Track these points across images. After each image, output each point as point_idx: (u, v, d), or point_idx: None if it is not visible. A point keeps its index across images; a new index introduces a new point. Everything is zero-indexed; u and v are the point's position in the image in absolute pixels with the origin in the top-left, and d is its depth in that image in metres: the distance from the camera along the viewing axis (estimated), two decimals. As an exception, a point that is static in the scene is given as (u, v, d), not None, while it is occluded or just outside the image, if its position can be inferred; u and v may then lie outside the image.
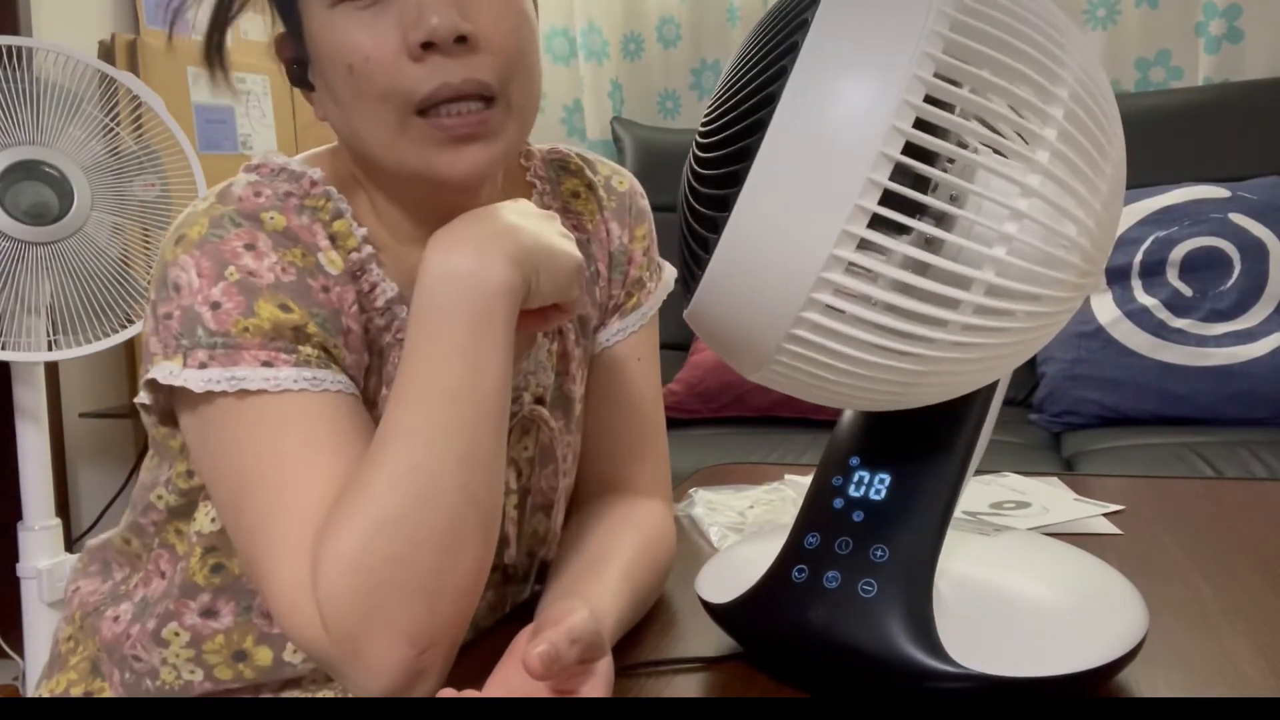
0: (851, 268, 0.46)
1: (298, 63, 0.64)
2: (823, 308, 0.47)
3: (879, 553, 0.55)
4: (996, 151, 0.49)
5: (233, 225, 0.59)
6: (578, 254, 0.61)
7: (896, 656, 0.53)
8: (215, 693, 0.69)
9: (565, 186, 0.77)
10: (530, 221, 0.60)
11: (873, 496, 0.57)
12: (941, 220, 0.48)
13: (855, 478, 0.58)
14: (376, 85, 0.59)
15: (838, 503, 0.58)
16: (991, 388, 0.57)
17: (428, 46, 0.58)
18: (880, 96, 0.44)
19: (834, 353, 0.48)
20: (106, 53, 2.05)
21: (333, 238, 0.63)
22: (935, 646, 0.52)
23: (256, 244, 0.59)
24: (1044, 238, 0.47)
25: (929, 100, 0.44)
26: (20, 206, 1.53)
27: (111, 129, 1.62)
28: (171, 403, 0.62)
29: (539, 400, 0.71)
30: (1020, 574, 0.59)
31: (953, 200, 0.49)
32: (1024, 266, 0.47)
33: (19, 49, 1.53)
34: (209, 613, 0.68)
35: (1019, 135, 0.48)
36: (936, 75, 0.44)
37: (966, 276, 0.47)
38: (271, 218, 0.61)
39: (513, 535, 0.70)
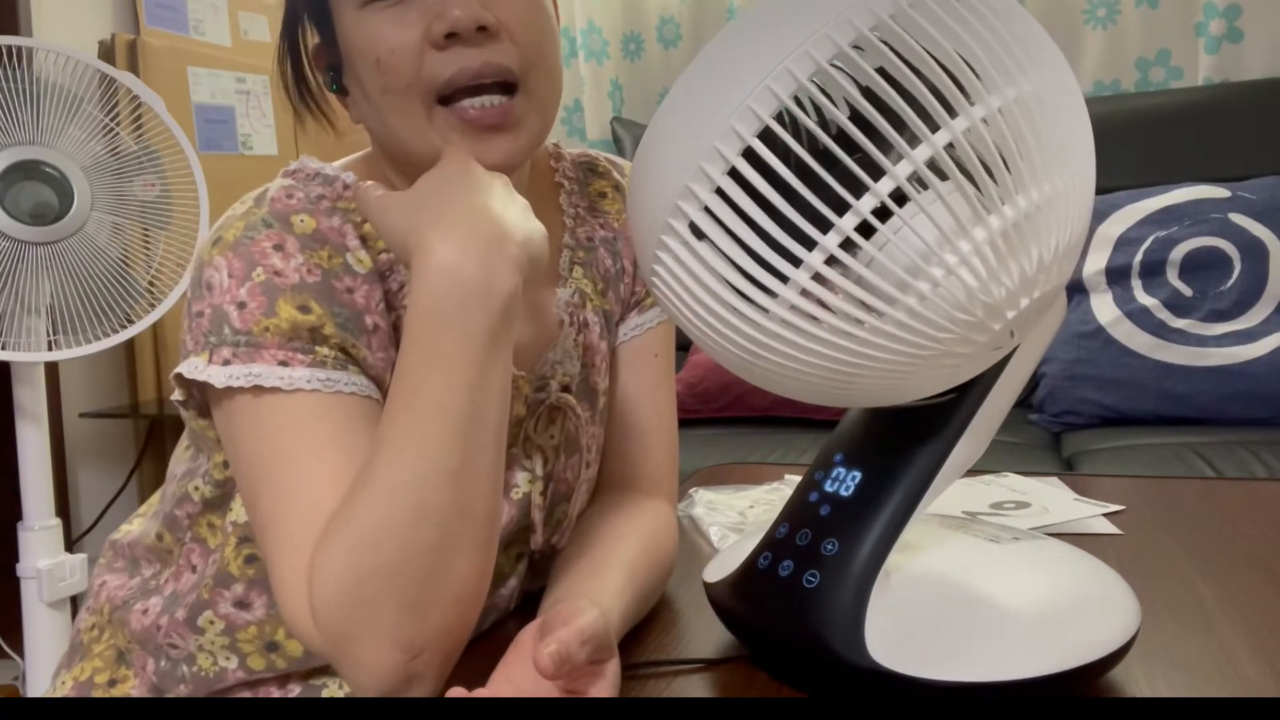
0: (721, 195, 0.48)
1: (334, 69, 0.67)
2: (687, 224, 0.48)
3: (829, 546, 0.56)
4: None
5: (264, 227, 0.61)
6: (543, 228, 0.60)
7: (820, 648, 0.54)
8: (247, 681, 0.71)
9: (593, 187, 0.80)
10: (510, 209, 0.59)
11: (842, 493, 0.58)
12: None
13: (834, 474, 0.59)
14: (402, 76, 0.62)
15: (813, 496, 0.59)
16: (974, 402, 0.57)
17: (450, 37, 0.61)
18: (770, 54, 0.46)
19: (694, 276, 0.50)
20: (106, 53, 2.05)
21: (363, 238, 0.65)
22: (858, 642, 0.53)
23: (285, 245, 0.61)
24: (912, 245, 0.47)
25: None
26: (20, 206, 1.53)
27: (111, 129, 1.62)
28: (205, 397, 0.64)
29: (566, 389, 0.72)
30: (1003, 579, 0.58)
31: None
32: (876, 258, 0.47)
33: (19, 49, 1.53)
34: (241, 604, 0.69)
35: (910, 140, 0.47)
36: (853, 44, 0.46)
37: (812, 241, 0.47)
38: (301, 220, 0.62)
39: (539, 522, 0.71)
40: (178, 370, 0.61)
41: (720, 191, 0.47)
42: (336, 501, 0.56)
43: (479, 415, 0.56)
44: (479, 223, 0.56)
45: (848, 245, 0.47)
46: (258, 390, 0.58)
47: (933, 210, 0.47)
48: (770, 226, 0.47)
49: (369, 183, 0.62)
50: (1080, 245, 0.52)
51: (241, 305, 0.59)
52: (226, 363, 0.59)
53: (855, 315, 0.48)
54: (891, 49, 0.46)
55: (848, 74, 0.47)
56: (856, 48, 0.46)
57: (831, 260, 0.47)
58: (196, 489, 0.71)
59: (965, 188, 0.46)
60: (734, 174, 0.47)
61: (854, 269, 0.47)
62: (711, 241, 0.49)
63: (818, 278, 0.47)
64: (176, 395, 0.64)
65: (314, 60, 0.69)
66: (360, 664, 0.54)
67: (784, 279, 0.47)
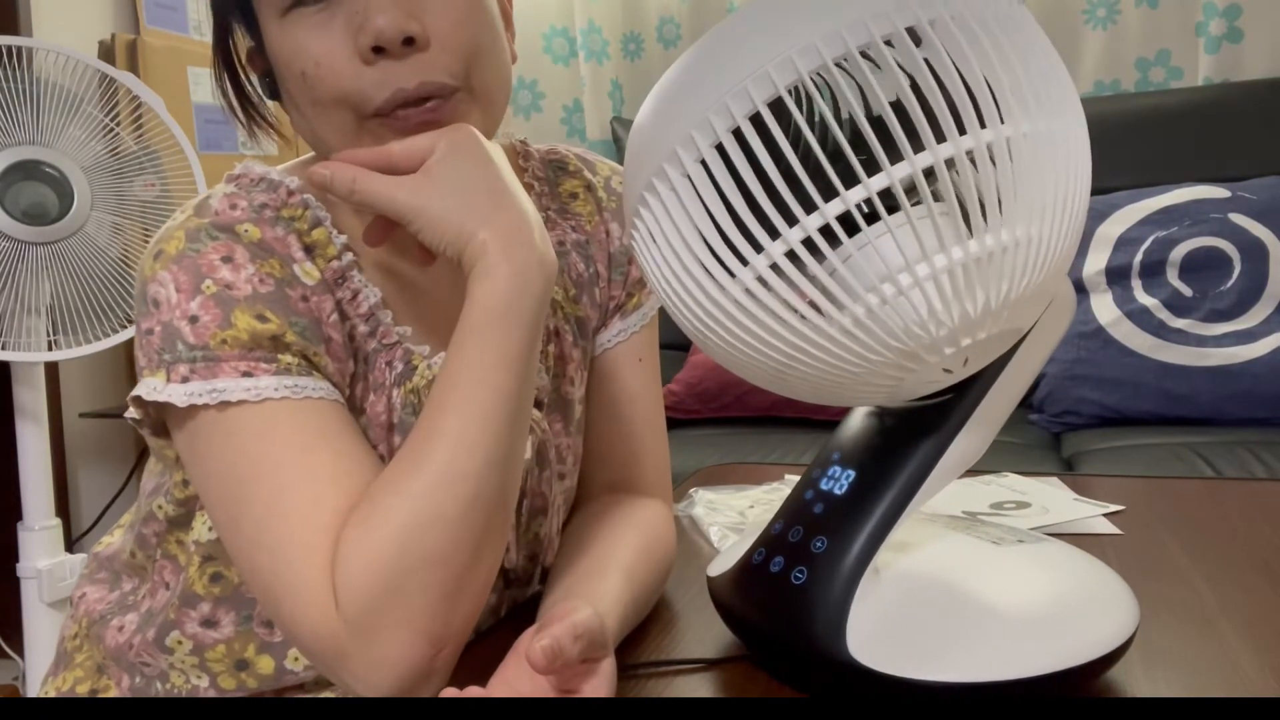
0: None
1: (269, 75, 0.64)
2: (664, 177, 0.49)
3: (819, 544, 0.56)
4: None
5: (209, 239, 0.59)
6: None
7: (804, 644, 0.54)
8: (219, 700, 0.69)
9: (564, 188, 0.77)
10: (526, 199, 0.60)
11: (836, 491, 0.58)
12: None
13: (830, 472, 0.59)
14: (329, 91, 0.59)
15: (809, 494, 0.60)
16: (971, 402, 0.56)
17: (378, 50, 0.58)
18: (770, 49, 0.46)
19: (665, 237, 0.50)
20: (106, 53, 2.05)
21: (310, 248, 0.62)
22: (839, 640, 0.53)
23: (234, 256, 0.59)
24: (871, 260, 0.47)
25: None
26: (20, 206, 1.53)
27: (111, 129, 1.63)
28: (162, 415, 0.61)
29: (536, 404, 0.71)
30: (998, 579, 0.58)
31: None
32: (838, 267, 0.47)
33: (19, 49, 1.54)
34: (209, 622, 0.68)
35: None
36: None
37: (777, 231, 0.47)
38: (246, 230, 0.60)
39: (512, 539, 0.70)
40: (135, 393, 0.59)
41: (703, 163, 0.48)
42: (341, 497, 0.56)
43: (527, 400, 0.58)
44: (523, 221, 0.58)
45: (814, 243, 0.47)
46: (224, 405, 0.57)
47: (898, 229, 0.47)
48: (742, 209, 0.47)
49: (383, 178, 0.59)
50: (1046, 295, 0.52)
51: (194, 319, 0.57)
52: (185, 380, 0.57)
53: (801, 311, 0.48)
54: (899, 64, 0.46)
55: (851, 75, 0.47)
56: (866, 55, 0.46)
57: (793, 255, 0.47)
58: (160, 507, 0.69)
59: (934, 214, 0.46)
60: (720, 150, 0.47)
61: (810, 268, 0.47)
62: (686, 210, 0.49)
63: (774, 268, 0.48)
64: (131, 413, 0.62)
65: (250, 65, 0.66)
66: (384, 659, 0.53)
67: (744, 261, 0.48)
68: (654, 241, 0.51)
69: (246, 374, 0.57)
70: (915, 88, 0.46)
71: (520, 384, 0.57)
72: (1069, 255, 0.51)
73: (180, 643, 0.68)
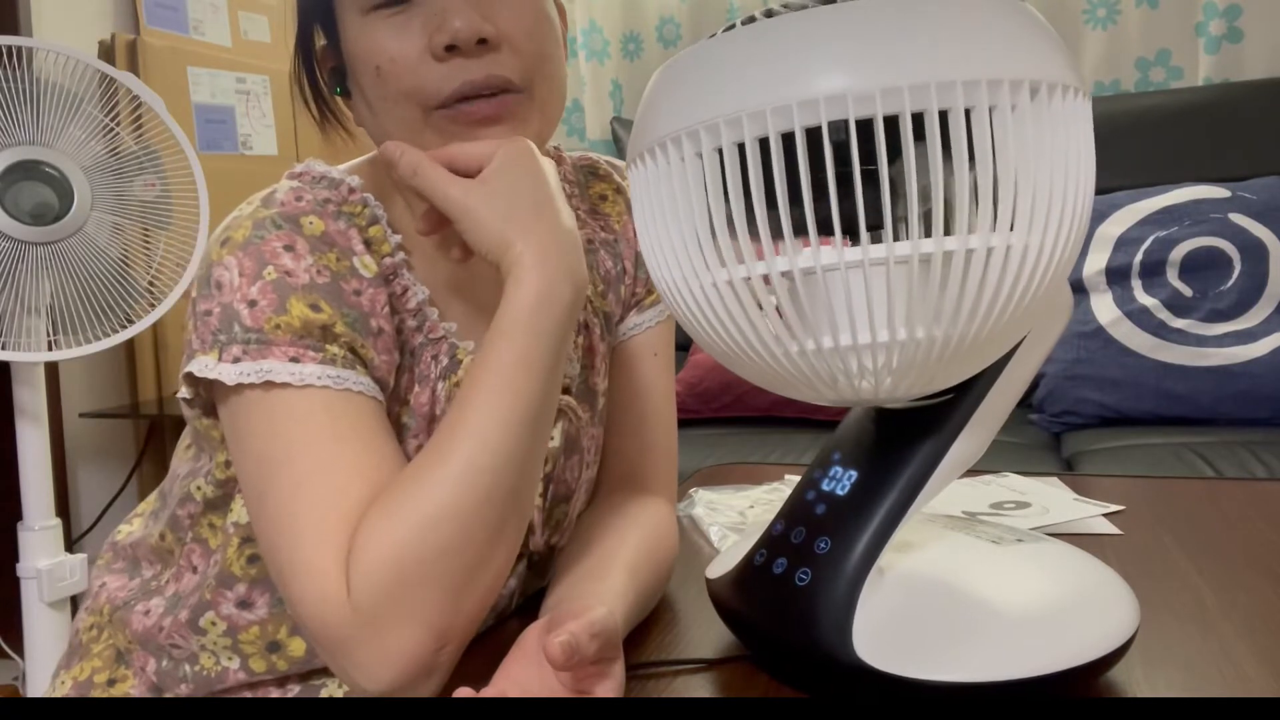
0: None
1: (338, 71, 0.68)
2: (667, 151, 0.49)
3: (822, 545, 0.57)
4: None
5: (274, 227, 0.62)
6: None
7: (809, 645, 0.54)
8: (248, 683, 0.71)
9: (594, 190, 0.81)
10: (567, 208, 0.63)
11: (838, 492, 0.58)
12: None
13: (831, 472, 0.59)
14: (401, 85, 0.63)
15: (810, 495, 0.60)
16: (972, 402, 0.57)
17: (451, 49, 0.61)
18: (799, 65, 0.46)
19: (663, 202, 0.50)
20: (106, 53, 2.05)
21: (368, 242, 0.65)
22: (845, 640, 0.53)
23: (295, 246, 0.61)
24: (822, 303, 0.48)
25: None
26: (20, 206, 1.53)
27: (111, 129, 1.63)
28: (212, 396, 0.64)
29: (565, 390, 0.73)
30: (1000, 579, 0.58)
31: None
32: (783, 304, 0.48)
33: (19, 49, 1.54)
34: (244, 604, 0.69)
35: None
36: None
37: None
38: (310, 222, 0.63)
39: (538, 523, 0.72)
40: (187, 369, 0.61)
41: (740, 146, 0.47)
42: (365, 488, 0.57)
43: (549, 405, 0.60)
44: (562, 234, 0.61)
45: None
46: (268, 386, 0.59)
47: (852, 284, 0.47)
48: (758, 209, 0.47)
49: (443, 172, 0.62)
50: (962, 374, 0.52)
51: (252, 303, 0.60)
52: (237, 360, 0.59)
53: (739, 322, 0.49)
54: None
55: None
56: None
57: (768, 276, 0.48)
58: (199, 489, 0.71)
59: (891, 278, 0.46)
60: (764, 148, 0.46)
61: (758, 295, 0.48)
62: (663, 198, 0.50)
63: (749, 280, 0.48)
64: (183, 393, 0.64)
65: (319, 62, 0.70)
66: (389, 651, 0.54)
67: (723, 261, 0.48)
68: (651, 201, 0.52)
69: (294, 359, 0.59)
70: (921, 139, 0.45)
71: (543, 388, 0.59)
72: (1002, 348, 0.52)
73: (214, 623, 0.70)
